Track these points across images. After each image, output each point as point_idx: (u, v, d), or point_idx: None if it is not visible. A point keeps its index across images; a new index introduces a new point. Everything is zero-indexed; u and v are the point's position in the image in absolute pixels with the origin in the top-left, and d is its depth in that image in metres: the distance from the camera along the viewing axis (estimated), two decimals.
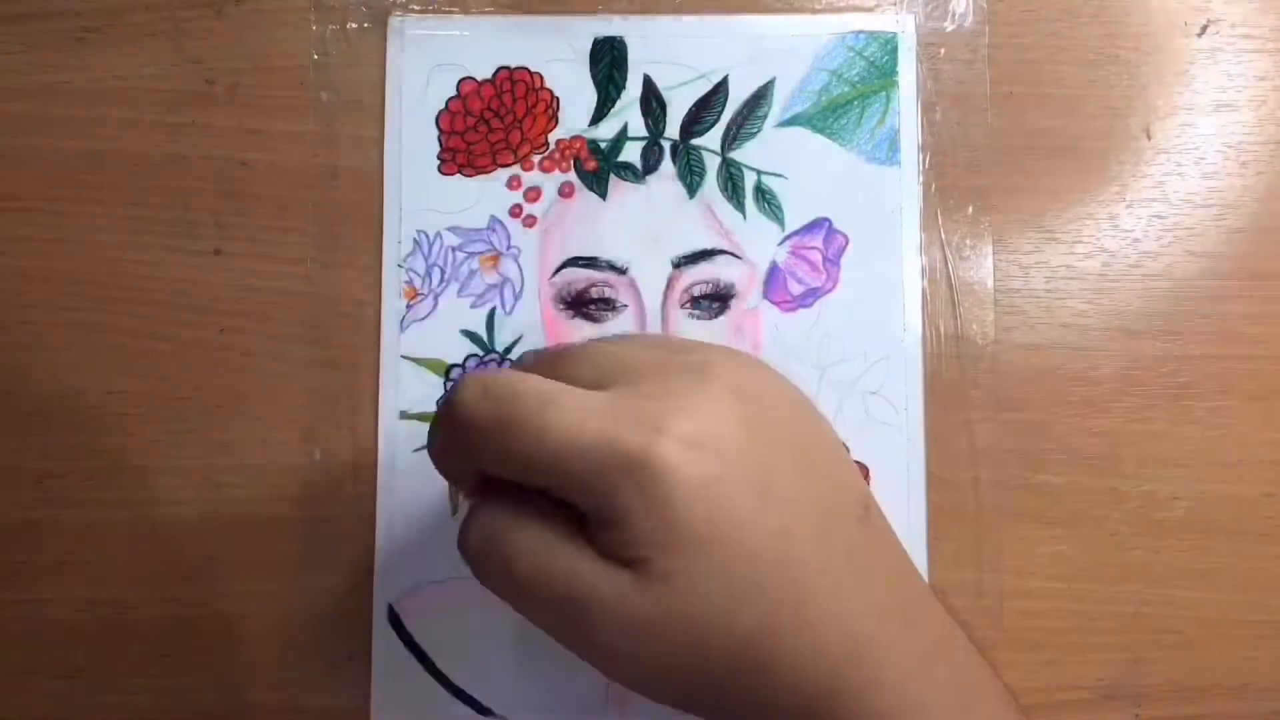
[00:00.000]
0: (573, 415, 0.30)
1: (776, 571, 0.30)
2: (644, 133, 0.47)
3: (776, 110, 0.47)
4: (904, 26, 0.47)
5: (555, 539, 0.31)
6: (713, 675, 0.31)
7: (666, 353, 0.33)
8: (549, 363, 0.33)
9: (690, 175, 0.46)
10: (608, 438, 0.29)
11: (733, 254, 0.46)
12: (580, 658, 0.33)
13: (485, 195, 0.46)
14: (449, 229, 0.46)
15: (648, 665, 0.31)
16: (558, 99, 0.47)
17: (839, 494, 0.33)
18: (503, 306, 0.46)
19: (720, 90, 0.47)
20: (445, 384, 0.45)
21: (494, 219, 0.46)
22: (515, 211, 0.46)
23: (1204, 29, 0.47)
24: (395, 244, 0.46)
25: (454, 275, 0.46)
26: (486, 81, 0.47)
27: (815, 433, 0.34)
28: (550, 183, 0.46)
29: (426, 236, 0.46)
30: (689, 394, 0.31)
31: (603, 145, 0.46)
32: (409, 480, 0.45)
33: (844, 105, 0.47)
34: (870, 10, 0.47)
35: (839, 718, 0.31)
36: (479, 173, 0.46)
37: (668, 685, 0.32)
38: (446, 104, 0.47)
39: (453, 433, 0.31)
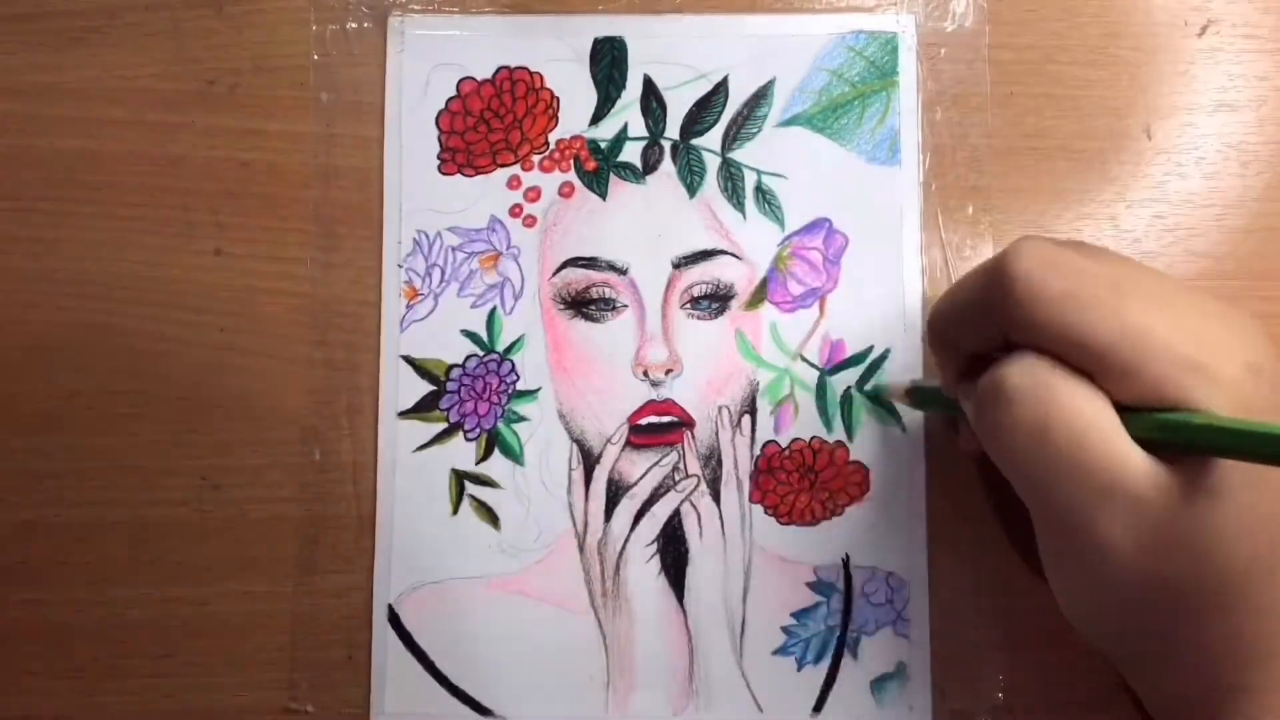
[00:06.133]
0: (1147, 310, 0.31)
1: None
2: (644, 133, 0.46)
3: (776, 110, 0.46)
4: (904, 26, 0.47)
5: (1104, 406, 0.31)
6: (1190, 605, 0.30)
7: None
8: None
9: (690, 175, 0.46)
10: (1190, 338, 0.30)
11: (733, 254, 0.46)
12: (1044, 544, 0.32)
13: (485, 195, 0.46)
14: (449, 229, 0.46)
15: (1138, 576, 0.30)
16: (558, 99, 0.47)
17: None
18: (503, 306, 0.46)
19: (720, 90, 0.47)
20: (445, 384, 0.45)
21: (494, 219, 0.46)
22: (515, 211, 0.46)
23: (1204, 29, 0.47)
24: (395, 244, 0.46)
25: (454, 275, 0.46)
26: (486, 81, 0.47)
27: None
28: (550, 183, 0.46)
29: (426, 236, 0.46)
30: (1242, 327, 0.32)
31: (603, 145, 0.46)
32: (409, 480, 0.45)
33: (844, 105, 0.47)
34: (870, 10, 0.47)
35: None
36: (479, 173, 0.46)
37: (1136, 610, 0.32)
38: (446, 104, 0.47)
39: (1003, 299, 0.32)
